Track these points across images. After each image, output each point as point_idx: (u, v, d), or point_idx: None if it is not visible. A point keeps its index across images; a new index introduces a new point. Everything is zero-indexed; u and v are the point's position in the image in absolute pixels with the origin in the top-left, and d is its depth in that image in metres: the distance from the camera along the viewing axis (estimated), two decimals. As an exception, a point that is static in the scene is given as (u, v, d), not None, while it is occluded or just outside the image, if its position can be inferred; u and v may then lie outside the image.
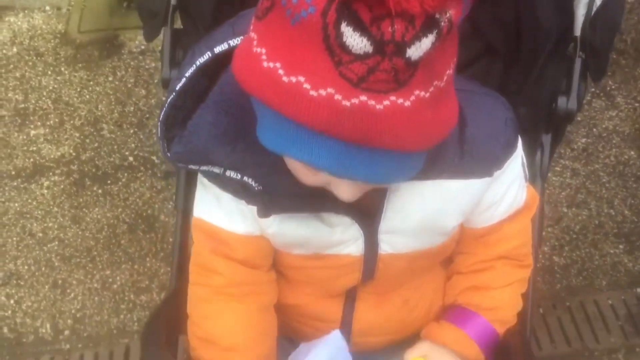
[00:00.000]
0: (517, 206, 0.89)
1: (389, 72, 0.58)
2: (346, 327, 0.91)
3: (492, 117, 0.82)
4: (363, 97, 0.59)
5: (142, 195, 1.95)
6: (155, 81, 2.23)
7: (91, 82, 2.23)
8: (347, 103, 0.59)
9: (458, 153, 0.78)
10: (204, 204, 0.86)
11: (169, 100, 0.77)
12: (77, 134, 2.09)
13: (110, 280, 1.78)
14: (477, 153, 0.79)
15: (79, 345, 1.67)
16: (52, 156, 2.04)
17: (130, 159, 2.03)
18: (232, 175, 0.78)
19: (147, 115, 2.14)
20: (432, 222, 0.83)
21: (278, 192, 0.77)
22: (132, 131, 2.10)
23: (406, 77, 0.59)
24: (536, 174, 0.97)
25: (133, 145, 2.07)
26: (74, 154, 2.04)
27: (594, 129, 2.07)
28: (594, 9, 0.88)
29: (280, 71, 0.60)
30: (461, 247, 0.92)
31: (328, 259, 0.85)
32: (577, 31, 0.91)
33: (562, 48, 0.93)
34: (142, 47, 2.34)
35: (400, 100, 0.60)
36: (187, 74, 0.77)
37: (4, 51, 2.34)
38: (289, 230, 0.81)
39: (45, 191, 1.96)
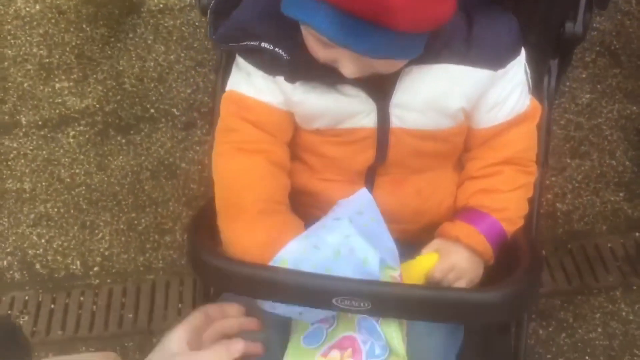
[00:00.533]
0: (519, 110, 0.98)
1: None
2: None
3: (498, 23, 0.93)
4: None
5: (163, 144, 2.04)
6: (174, 38, 2.31)
7: (112, 39, 2.31)
8: None
9: (465, 45, 0.90)
10: (235, 80, 0.99)
11: None
12: (100, 87, 2.18)
13: (136, 222, 1.88)
14: (482, 48, 0.90)
15: (107, 281, 1.77)
16: (76, 108, 2.13)
17: (152, 110, 2.12)
18: (266, 46, 0.91)
19: (167, 70, 2.22)
20: (438, 101, 0.92)
21: (303, 63, 0.89)
22: (152, 85, 2.18)
23: None
24: (544, 96, 1.05)
25: (154, 98, 2.15)
26: (97, 105, 2.13)
27: (598, 86, 2.14)
28: None
29: None
30: (471, 154, 1.01)
31: (344, 134, 0.95)
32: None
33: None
34: (161, 5, 2.42)
35: None
36: None
37: (28, 9, 2.42)
38: (311, 98, 0.92)
39: (72, 140, 2.05)
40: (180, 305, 1.73)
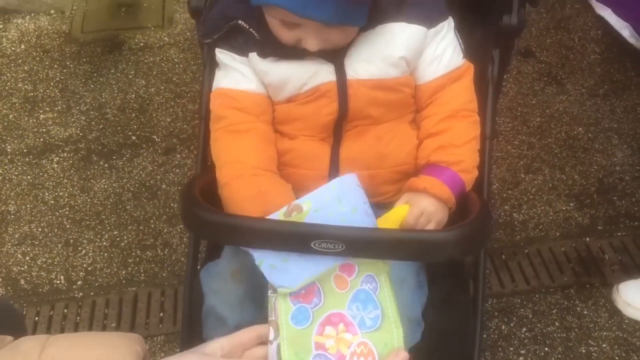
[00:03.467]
0: (455, 64, 1.16)
1: None
2: (334, 162, 1.13)
3: None
4: None
5: (144, 168, 2.15)
6: (154, 73, 2.46)
7: (95, 74, 2.45)
8: None
9: (399, 7, 1.10)
10: (217, 79, 1.17)
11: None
12: (84, 118, 2.29)
13: (118, 239, 1.96)
14: (413, 8, 1.11)
15: (90, 294, 1.84)
16: (60, 136, 2.23)
17: (133, 138, 2.24)
18: (241, 23, 1.10)
19: (147, 102, 2.35)
20: (382, 51, 1.10)
21: (271, 41, 1.08)
22: (134, 115, 2.31)
23: None
24: (489, 78, 1.21)
25: (135, 126, 2.27)
26: (81, 134, 2.24)
27: (547, 110, 2.34)
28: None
29: None
30: (424, 113, 1.17)
31: (310, 94, 1.11)
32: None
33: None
34: (141, 44, 2.57)
35: None
36: None
37: (13, 48, 2.55)
38: (279, 68, 1.10)
39: (56, 165, 2.15)
40: (161, 314, 1.80)
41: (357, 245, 0.90)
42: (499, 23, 1.18)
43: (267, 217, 0.96)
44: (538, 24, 2.68)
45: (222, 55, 1.15)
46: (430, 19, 1.13)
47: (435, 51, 1.14)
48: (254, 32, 1.10)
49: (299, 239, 0.89)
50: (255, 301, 1.07)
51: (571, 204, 2.06)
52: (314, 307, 0.92)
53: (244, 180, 1.07)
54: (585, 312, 1.79)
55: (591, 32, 2.64)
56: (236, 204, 1.05)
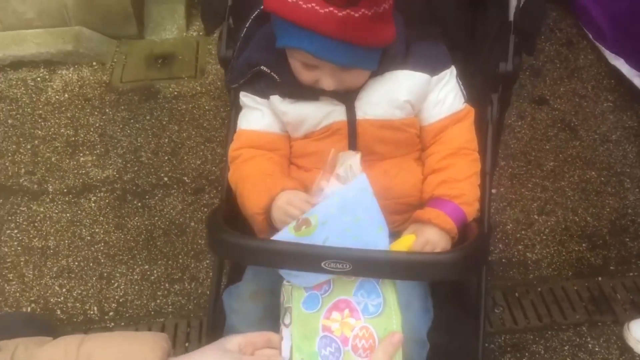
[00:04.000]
0: (456, 108, 1.27)
1: None
2: None
3: (428, 45, 1.27)
4: (331, 8, 1.06)
5: (175, 207, 2.28)
6: (186, 119, 2.62)
7: (132, 120, 2.63)
8: (321, 11, 1.06)
9: (405, 58, 1.23)
10: (240, 121, 1.31)
11: (237, 45, 1.31)
12: (120, 160, 2.46)
13: (148, 273, 2.08)
14: (418, 58, 1.24)
15: (122, 324, 1.95)
16: (98, 177, 2.39)
17: (165, 179, 2.39)
18: (264, 69, 1.23)
19: (179, 145, 2.51)
20: (389, 95, 1.22)
21: (291, 84, 1.21)
22: (166, 158, 2.46)
23: (356, 1, 1.07)
24: (489, 119, 1.32)
25: (167, 168, 2.42)
26: (117, 175, 2.40)
27: (560, 155, 2.43)
28: (522, 1, 1.26)
29: None
30: (428, 151, 1.28)
31: (324, 131, 1.24)
32: (511, 16, 1.28)
33: (502, 32, 1.30)
34: (175, 93, 2.75)
35: (352, 13, 1.07)
36: (247, 25, 1.30)
37: (57, 97, 2.75)
38: (297, 109, 1.23)
39: (93, 204, 2.30)
40: (187, 344, 1.90)
41: (363, 265, 1.00)
42: (496, 70, 1.30)
43: (279, 232, 1.05)
44: (552, 73, 2.79)
45: (246, 98, 1.28)
46: (433, 68, 1.26)
47: (438, 96, 1.26)
48: (275, 75, 1.23)
49: (310, 260, 0.99)
50: (273, 319, 1.16)
51: (584, 245, 2.12)
52: (324, 294, 1.03)
53: (252, 185, 1.20)
54: (597, 349, 1.83)
55: (604, 81, 2.74)
56: (251, 205, 1.16)
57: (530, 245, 2.13)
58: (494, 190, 2.23)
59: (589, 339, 1.86)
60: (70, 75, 2.86)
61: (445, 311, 1.21)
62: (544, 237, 2.15)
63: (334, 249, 0.99)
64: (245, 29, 1.32)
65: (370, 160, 1.24)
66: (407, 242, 1.16)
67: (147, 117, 2.64)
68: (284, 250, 1.01)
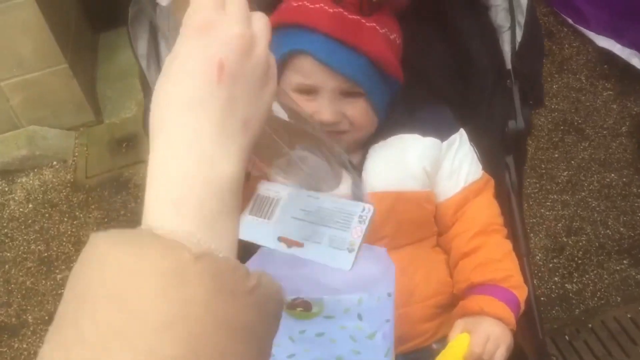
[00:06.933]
0: (475, 177, 1.08)
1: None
2: None
3: (433, 109, 1.11)
4: (340, 9, 0.96)
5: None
6: (164, 206, 2.40)
7: (105, 220, 2.40)
8: (330, 10, 0.96)
9: (410, 122, 1.08)
10: None
11: None
12: (100, 269, 2.22)
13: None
14: (424, 122, 1.08)
15: None
16: (80, 294, 2.16)
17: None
18: None
19: (162, 238, 2.28)
20: (398, 161, 1.05)
21: None
22: (150, 255, 2.23)
23: (368, 12, 0.97)
24: (509, 191, 1.10)
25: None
26: (100, 287, 2.17)
27: (572, 162, 2.22)
28: (517, 44, 1.06)
29: (292, 2, 1.00)
30: (449, 234, 1.07)
31: None
32: (509, 65, 1.08)
33: (501, 83, 1.10)
34: (146, 177, 2.53)
35: (363, 21, 0.97)
36: None
37: (21, 209, 2.52)
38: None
39: (80, 327, 2.06)
40: None
41: None
42: (505, 130, 1.09)
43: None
44: (540, 71, 2.59)
45: None
46: (441, 132, 1.08)
47: (453, 164, 1.07)
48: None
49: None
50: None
51: (624, 262, 1.91)
52: None
53: None
54: (673, 386, 1.61)
55: (597, 69, 2.54)
56: None
57: (567, 275, 1.91)
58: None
59: (660, 375, 1.64)
60: (31, 182, 2.63)
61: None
62: (580, 262, 1.93)
63: None
64: None
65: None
66: (461, 345, 0.93)
67: (122, 212, 2.42)
68: None
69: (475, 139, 1.10)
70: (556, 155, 2.25)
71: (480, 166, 1.10)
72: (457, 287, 1.04)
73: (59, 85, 2.66)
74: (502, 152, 1.11)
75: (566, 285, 1.88)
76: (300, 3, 0.99)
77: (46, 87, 2.65)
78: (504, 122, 1.09)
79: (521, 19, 1.05)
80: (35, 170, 2.67)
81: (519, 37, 1.05)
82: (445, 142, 1.07)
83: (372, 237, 1.01)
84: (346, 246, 0.77)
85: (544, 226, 2.04)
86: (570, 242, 1.99)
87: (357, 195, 1.00)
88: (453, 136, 1.08)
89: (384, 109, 1.05)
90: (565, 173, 2.19)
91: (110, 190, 2.51)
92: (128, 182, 2.54)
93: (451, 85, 1.14)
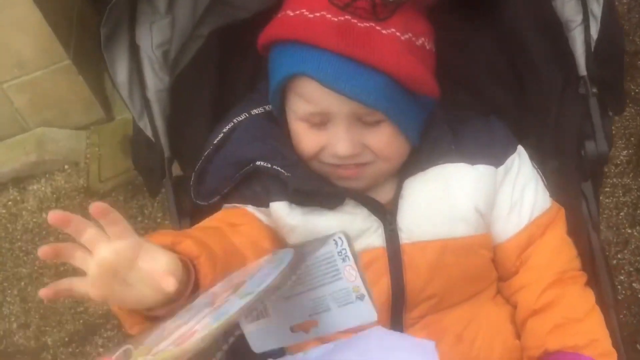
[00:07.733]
0: (542, 208, 0.88)
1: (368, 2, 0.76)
2: None
3: (481, 125, 0.91)
4: (348, 17, 0.77)
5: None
6: (182, 210, 2.24)
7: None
8: (335, 19, 0.76)
9: (453, 144, 0.86)
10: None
11: (205, 153, 0.92)
12: (119, 283, 2.09)
13: None
14: (471, 145, 0.87)
15: None
16: (99, 312, 2.03)
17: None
18: (262, 164, 0.86)
19: (182, 246, 2.13)
20: (443, 203, 0.84)
21: (305, 179, 0.84)
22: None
23: (385, 15, 0.77)
24: (587, 225, 0.89)
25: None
26: (120, 304, 2.03)
27: (632, 139, 1.98)
28: (592, 43, 0.84)
29: (289, 12, 0.81)
30: (514, 283, 0.89)
31: None
32: (583, 70, 0.86)
33: (571, 90, 0.88)
34: (162, 179, 2.37)
35: (378, 28, 0.77)
36: (224, 130, 0.92)
37: (35, 220, 2.39)
38: (311, 220, 0.84)
39: (101, 349, 1.93)
40: None
41: None
42: (580, 152, 0.87)
43: None
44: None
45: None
46: (495, 155, 0.87)
47: (513, 196, 0.87)
48: (279, 168, 0.85)
49: None
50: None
51: (700, 254, 1.68)
52: None
53: None
54: None
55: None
56: None
57: (634, 272, 1.70)
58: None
59: None
60: (43, 189, 2.49)
61: None
62: (648, 257, 1.71)
63: None
64: (221, 134, 0.93)
65: (428, 311, 0.85)
66: None
67: (139, 219, 2.27)
68: None
69: (539, 158, 0.89)
70: (613, 132, 2.00)
71: (547, 193, 0.89)
72: (527, 353, 0.85)
73: (64, 83, 2.50)
74: (576, 178, 0.89)
75: (633, 284, 1.68)
76: (298, 12, 0.80)
77: (51, 86, 2.49)
78: (576, 139, 0.87)
79: (597, 9, 0.81)
80: (47, 175, 2.53)
81: (594, 34, 0.83)
82: (501, 167, 0.87)
83: (416, 298, 0.83)
84: (353, 296, 0.69)
85: (604, 216, 1.82)
86: (635, 233, 1.77)
87: (391, 248, 0.81)
88: (510, 158, 0.88)
89: (417, 132, 0.84)
90: (624, 152, 1.95)
91: (126, 195, 2.36)
92: (143, 184, 2.38)
93: (504, 93, 0.91)
